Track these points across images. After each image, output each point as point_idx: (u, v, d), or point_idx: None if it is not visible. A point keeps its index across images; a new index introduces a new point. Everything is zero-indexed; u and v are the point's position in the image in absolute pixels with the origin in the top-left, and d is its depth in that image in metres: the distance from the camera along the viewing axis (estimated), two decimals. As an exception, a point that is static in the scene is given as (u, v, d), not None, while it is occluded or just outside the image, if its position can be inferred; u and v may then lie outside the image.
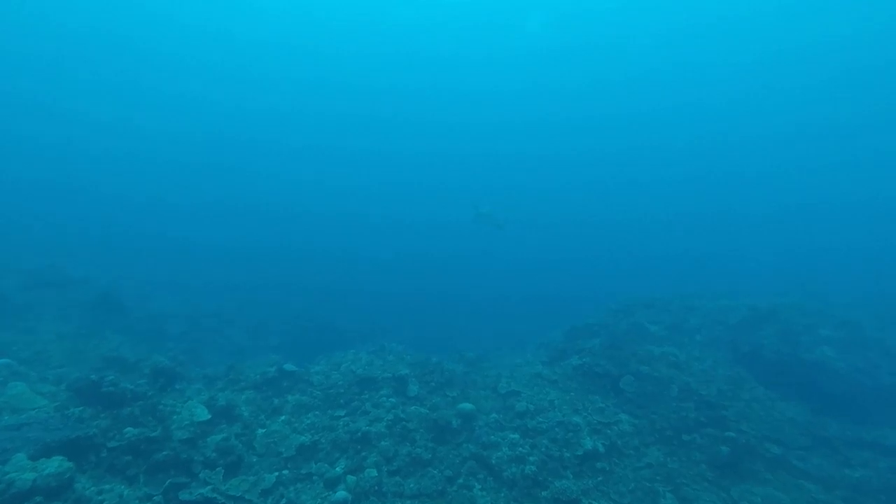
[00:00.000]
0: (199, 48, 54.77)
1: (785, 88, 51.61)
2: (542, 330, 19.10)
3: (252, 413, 7.92)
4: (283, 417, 7.97)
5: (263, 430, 7.52)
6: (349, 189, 63.34)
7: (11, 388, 6.49)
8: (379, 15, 52.51)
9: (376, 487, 6.44)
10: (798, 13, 44.79)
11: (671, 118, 59.86)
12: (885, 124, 50.56)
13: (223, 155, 61.75)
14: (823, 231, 52.56)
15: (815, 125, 53.99)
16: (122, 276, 17.78)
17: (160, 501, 5.22)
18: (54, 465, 4.76)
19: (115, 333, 12.40)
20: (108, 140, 57.71)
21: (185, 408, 7.00)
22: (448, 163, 66.43)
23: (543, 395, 9.10)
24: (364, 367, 9.38)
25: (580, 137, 63.93)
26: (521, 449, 7.30)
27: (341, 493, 6.07)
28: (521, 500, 6.35)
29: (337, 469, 6.72)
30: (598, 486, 6.73)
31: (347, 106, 62.23)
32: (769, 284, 15.91)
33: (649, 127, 60.72)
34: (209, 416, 7.01)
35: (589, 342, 10.97)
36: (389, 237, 52.35)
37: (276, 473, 6.52)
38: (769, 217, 56.92)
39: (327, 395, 8.57)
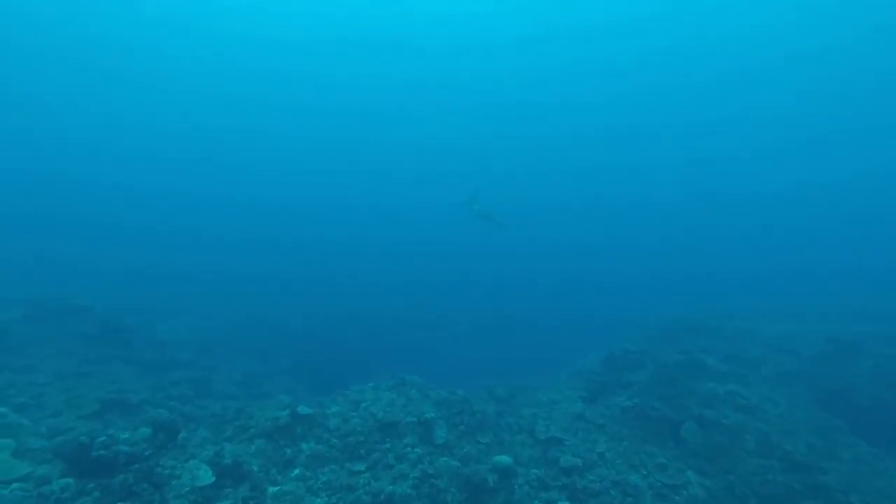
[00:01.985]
0: (195, 46, 54.17)
1: (805, 96, 49.83)
2: (571, 354, 17.88)
3: (262, 467, 6.98)
4: (296, 471, 7.01)
5: (275, 490, 6.57)
6: (356, 205, 62.30)
7: (-7, 447, 5.69)
8: (371, 6, 51.45)
9: (406, 571, 5.43)
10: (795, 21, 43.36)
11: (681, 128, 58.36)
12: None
13: (225, 175, 61.43)
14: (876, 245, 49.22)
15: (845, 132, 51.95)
16: (128, 300, 17.20)
17: None
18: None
19: (121, 364, 11.67)
20: (104, 161, 57.65)
21: (186, 469, 6.09)
22: (461, 181, 65.03)
23: (591, 444, 7.99)
24: (385, 409, 8.39)
25: (595, 151, 62.61)
26: (573, 518, 6.23)
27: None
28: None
29: (359, 545, 5.72)
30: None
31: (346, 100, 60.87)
32: (828, 305, 14.42)
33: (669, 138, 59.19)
34: (213, 479, 6.09)
35: (634, 375, 9.83)
36: (399, 254, 51.06)
37: (288, 552, 5.55)
38: (803, 230, 54.40)
39: (345, 444, 7.59)
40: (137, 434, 6.32)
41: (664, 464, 7.29)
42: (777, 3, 42.88)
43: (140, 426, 7.06)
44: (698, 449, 7.65)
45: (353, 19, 52.51)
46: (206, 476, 6.03)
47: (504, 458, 7.32)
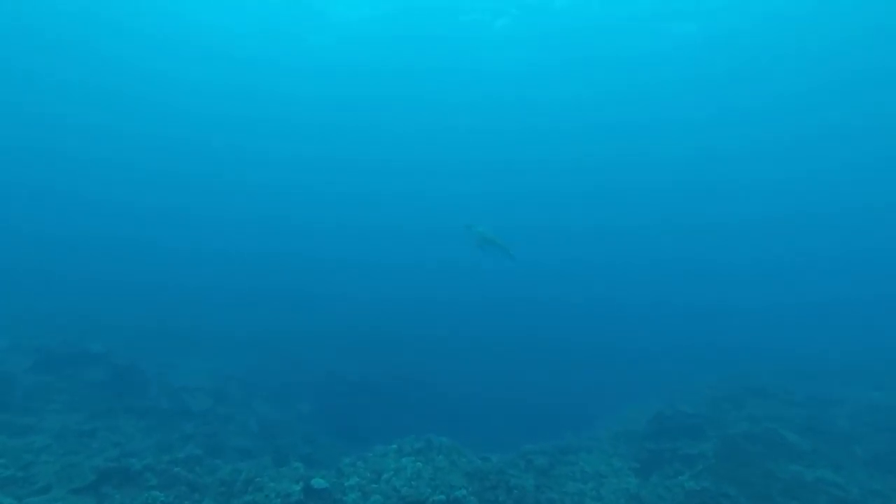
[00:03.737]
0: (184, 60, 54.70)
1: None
2: (607, 405, 16.52)
3: (269, 559, 6.07)
4: (308, 564, 6.08)
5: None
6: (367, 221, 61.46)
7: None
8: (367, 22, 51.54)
9: None
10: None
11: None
12: None
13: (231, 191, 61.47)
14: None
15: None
16: (144, 342, 16.76)
17: None
18: None
19: (131, 418, 11.04)
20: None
21: (178, 571, 5.23)
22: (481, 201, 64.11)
23: (651, 531, 6.80)
24: (409, 483, 7.40)
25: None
26: None
27: None
28: None
29: None
30: None
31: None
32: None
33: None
34: (209, 583, 5.20)
35: (693, 446, 8.57)
36: (416, 276, 49.78)
37: None
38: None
39: (365, 528, 6.63)
40: (143, 490, 5.51)
41: (746, 564, 6.05)
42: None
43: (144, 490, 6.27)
44: (786, 546, 6.37)
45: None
46: (203, 581, 5.15)
47: (549, 551, 6.22)
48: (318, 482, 7.23)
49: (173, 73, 48.32)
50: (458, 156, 59.22)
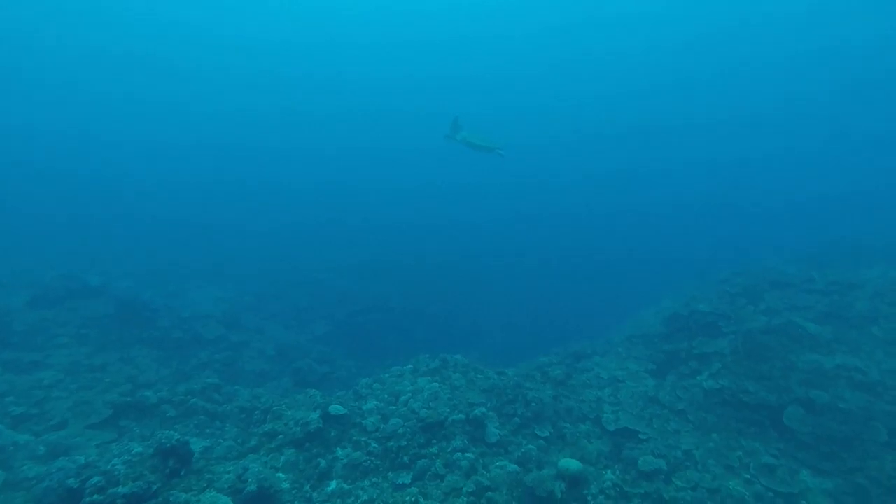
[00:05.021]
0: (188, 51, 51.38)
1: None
2: (621, 308, 16.47)
3: (294, 483, 6.08)
4: (332, 485, 6.10)
5: (309, 512, 5.69)
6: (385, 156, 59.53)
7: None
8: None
9: None
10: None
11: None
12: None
13: (240, 134, 59.33)
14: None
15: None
16: (147, 274, 16.48)
17: None
18: None
19: (143, 348, 11.01)
20: (116, 126, 56.27)
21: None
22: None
23: (672, 437, 6.75)
24: (428, 405, 7.30)
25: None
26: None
27: None
28: None
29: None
30: None
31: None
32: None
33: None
34: (235, 513, 5.18)
35: (710, 344, 8.35)
36: (434, 210, 48.54)
37: None
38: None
39: (386, 450, 6.59)
40: (141, 466, 5.40)
41: (772, 465, 5.99)
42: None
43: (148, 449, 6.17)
44: (810, 441, 6.29)
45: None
46: (227, 511, 5.11)
47: (572, 463, 6.17)
48: (336, 408, 7.13)
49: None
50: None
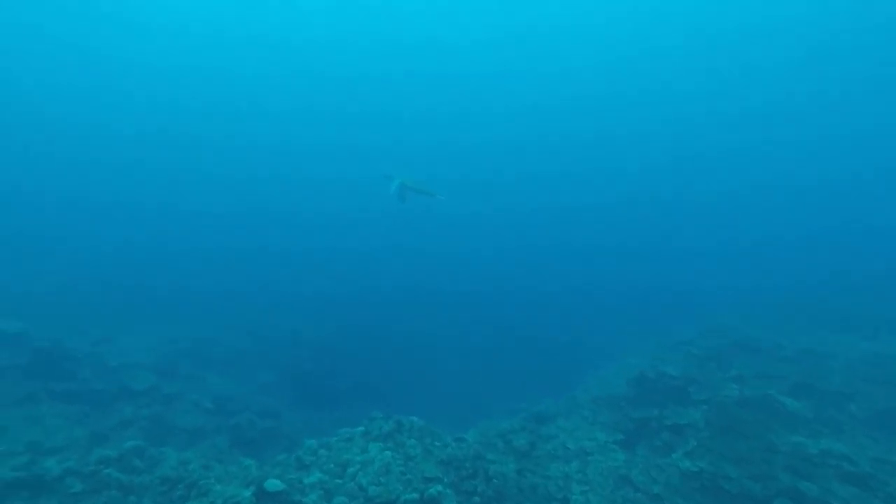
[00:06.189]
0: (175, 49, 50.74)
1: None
2: (579, 365, 16.25)
3: (215, 582, 5.18)
4: (262, 583, 5.24)
5: None
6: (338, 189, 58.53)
7: None
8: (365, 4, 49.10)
9: None
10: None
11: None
12: None
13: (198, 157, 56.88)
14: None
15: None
16: (80, 315, 14.97)
17: None
18: None
19: (57, 404, 9.69)
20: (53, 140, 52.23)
21: None
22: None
23: (643, 521, 6.33)
24: (378, 479, 6.60)
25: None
26: None
27: None
28: None
29: None
30: None
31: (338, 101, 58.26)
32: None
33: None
34: None
35: (683, 413, 8.14)
36: (385, 257, 46.07)
37: None
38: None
39: (328, 537, 5.81)
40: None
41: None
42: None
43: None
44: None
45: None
46: None
47: (535, 550, 5.62)
48: (273, 483, 6.31)
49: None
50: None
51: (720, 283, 27.36)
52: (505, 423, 8.78)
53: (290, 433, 12.27)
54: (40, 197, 42.90)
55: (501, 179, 59.49)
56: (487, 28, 52.85)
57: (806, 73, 49.81)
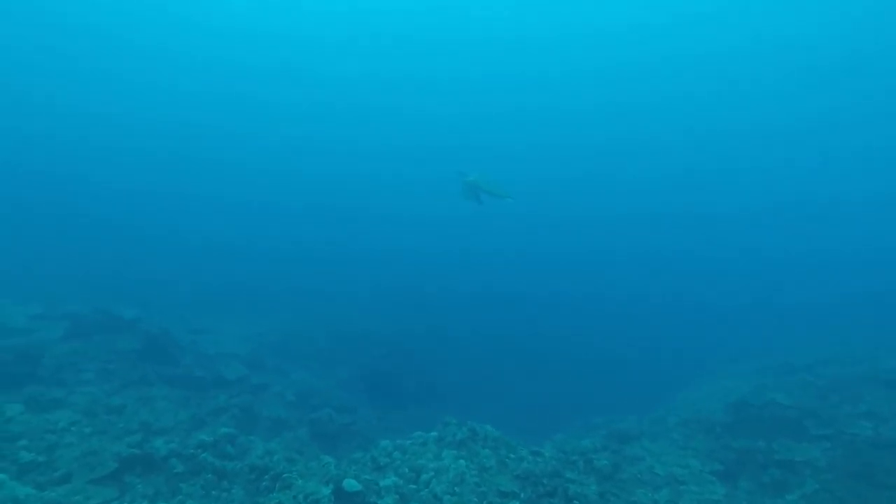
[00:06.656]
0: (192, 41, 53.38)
1: None
2: (658, 383, 15.06)
3: (297, 574, 5.37)
4: (340, 582, 5.35)
5: None
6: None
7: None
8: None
9: None
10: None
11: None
12: None
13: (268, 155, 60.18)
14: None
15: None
16: (176, 307, 16.57)
17: None
18: None
19: (164, 387, 10.73)
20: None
21: None
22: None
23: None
24: (452, 489, 6.51)
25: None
26: None
27: None
28: None
29: None
30: None
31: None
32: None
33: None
34: None
35: (797, 449, 7.17)
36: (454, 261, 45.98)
37: None
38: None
39: (404, 543, 5.82)
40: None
41: None
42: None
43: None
44: None
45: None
46: None
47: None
48: (350, 483, 6.44)
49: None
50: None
51: (831, 299, 24.19)
52: (585, 440, 8.30)
53: (364, 430, 12.64)
54: (149, 197, 48.25)
55: (592, 182, 57.44)
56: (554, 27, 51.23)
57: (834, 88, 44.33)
